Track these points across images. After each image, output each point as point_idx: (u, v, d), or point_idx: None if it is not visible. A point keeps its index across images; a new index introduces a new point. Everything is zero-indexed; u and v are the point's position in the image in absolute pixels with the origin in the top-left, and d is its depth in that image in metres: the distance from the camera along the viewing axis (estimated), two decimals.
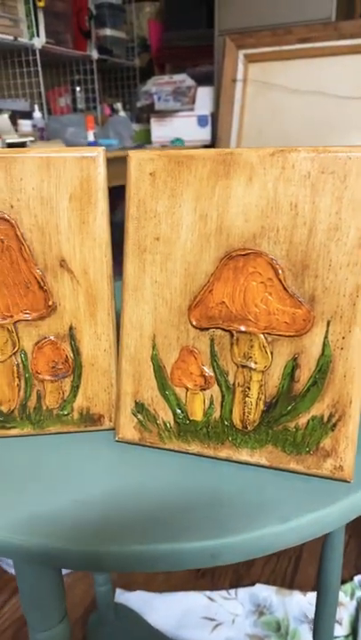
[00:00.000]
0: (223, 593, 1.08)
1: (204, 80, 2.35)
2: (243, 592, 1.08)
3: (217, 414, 0.34)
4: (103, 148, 0.35)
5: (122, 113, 2.45)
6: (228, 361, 0.33)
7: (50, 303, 0.36)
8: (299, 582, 1.11)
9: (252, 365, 0.32)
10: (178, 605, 1.06)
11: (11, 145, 1.39)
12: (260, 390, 0.32)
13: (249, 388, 0.33)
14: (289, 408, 0.32)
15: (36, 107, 1.98)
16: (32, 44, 1.95)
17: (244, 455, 0.34)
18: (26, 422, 0.37)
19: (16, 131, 1.56)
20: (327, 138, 1.95)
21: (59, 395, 0.37)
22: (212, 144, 2.28)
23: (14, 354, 0.36)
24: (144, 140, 2.33)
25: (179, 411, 0.35)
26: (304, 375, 0.32)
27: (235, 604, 1.07)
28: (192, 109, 2.33)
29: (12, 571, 1.14)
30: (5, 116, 1.42)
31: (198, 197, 0.32)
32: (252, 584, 1.10)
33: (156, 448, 0.36)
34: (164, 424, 0.35)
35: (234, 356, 0.33)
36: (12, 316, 0.36)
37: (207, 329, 0.33)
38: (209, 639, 1.01)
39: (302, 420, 0.32)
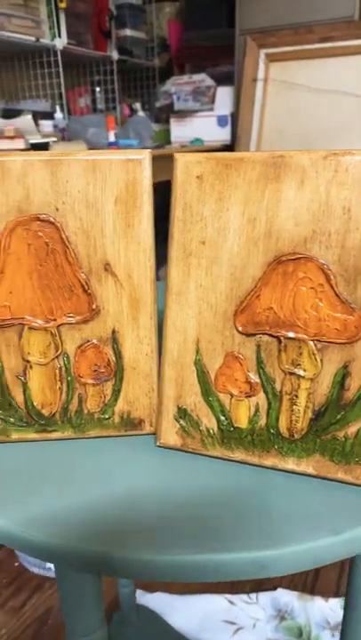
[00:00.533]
0: (244, 597, 1.08)
1: (223, 80, 2.34)
2: (264, 596, 1.07)
3: (263, 422, 0.33)
4: (149, 150, 0.34)
5: (141, 113, 2.45)
6: (275, 368, 0.33)
7: (93, 307, 0.36)
8: (320, 588, 1.10)
9: (301, 373, 0.32)
10: (198, 608, 1.06)
11: (34, 145, 1.40)
12: (309, 398, 0.32)
13: (297, 396, 0.32)
14: (338, 417, 0.31)
15: (58, 107, 2.00)
16: (53, 45, 1.96)
17: (290, 464, 0.33)
18: (67, 426, 0.37)
19: (38, 131, 1.57)
20: (348, 138, 1.93)
21: (100, 398, 0.37)
22: (232, 144, 2.27)
23: (57, 357, 0.36)
24: (163, 141, 2.33)
25: (223, 417, 0.34)
26: (355, 383, 0.31)
27: (256, 609, 1.06)
28: (212, 109, 2.33)
29: (33, 569, 1.15)
30: (29, 117, 1.43)
31: (247, 201, 0.32)
32: (274, 589, 1.09)
33: (198, 454, 0.35)
34: (208, 430, 0.35)
35: (281, 362, 0.32)
36: (55, 320, 0.35)
37: (253, 335, 0.33)
38: None
39: (352, 429, 0.31)
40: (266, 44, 2.11)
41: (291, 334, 0.31)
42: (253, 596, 1.08)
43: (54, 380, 0.37)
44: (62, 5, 1.97)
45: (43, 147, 1.43)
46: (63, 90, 2.11)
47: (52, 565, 1.14)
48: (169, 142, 2.33)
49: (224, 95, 2.35)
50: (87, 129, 1.92)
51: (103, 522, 0.30)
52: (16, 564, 1.17)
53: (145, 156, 0.34)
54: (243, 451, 0.34)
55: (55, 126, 1.94)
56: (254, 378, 0.33)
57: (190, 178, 0.33)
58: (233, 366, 0.33)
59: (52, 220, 0.34)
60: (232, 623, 1.04)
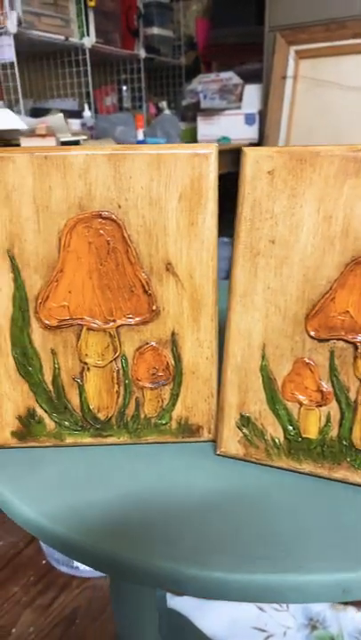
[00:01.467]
0: (274, 604, 1.05)
1: (251, 78, 2.31)
2: (295, 604, 1.05)
3: (334, 433, 0.31)
4: (216, 144, 0.33)
5: (167, 111, 2.44)
6: (349, 376, 0.31)
7: (153, 308, 0.34)
8: None
9: None
10: (227, 613, 1.04)
11: (65, 143, 1.40)
12: None
13: None
14: None
15: (86, 106, 2.00)
16: (82, 44, 1.96)
17: None
18: (122, 430, 0.36)
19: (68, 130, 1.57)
20: None
21: (157, 403, 0.36)
22: (260, 142, 2.24)
23: (115, 359, 0.35)
24: (190, 139, 2.32)
25: (290, 427, 0.32)
26: None
27: (286, 616, 1.04)
28: (239, 107, 2.30)
29: (61, 568, 1.14)
30: (60, 115, 1.43)
31: (323, 197, 0.30)
32: None
33: (261, 465, 0.34)
34: (273, 440, 0.33)
35: (357, 370, 0.30)
36: (114, 321, 0.34)
37: (327, 340, 0.31)
38: None
39: None
40: (296, 40, 2.08)
41: None
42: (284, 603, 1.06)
43: (111, 382, 0.35)
44: (91, 4, 1.97)
45: (73, 144, 1.43)
46: (91, 88, 2.11)
47: (80, 564, 1.14)
48: (195, 141, 2.32)
49: (252, 93, 2.32)
50: (115, 127, 1.91)
51: (168, 535, 0.28)
52: (43, 561, 1.17)
53: (212, 150, 0.32)
54: (311, 462, 0.32)
55: (83, 125, 1.94)
56: (326, 386, 0.31)
57: (260, 173, 0.31)
58: (303, 373, 0.32)
59: (114, 217, 0.33)
60: (262, 630, 1.02)
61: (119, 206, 0.33)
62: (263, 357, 0.33)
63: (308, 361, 0.32)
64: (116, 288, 0.34)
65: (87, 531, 0.29)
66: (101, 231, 0.33)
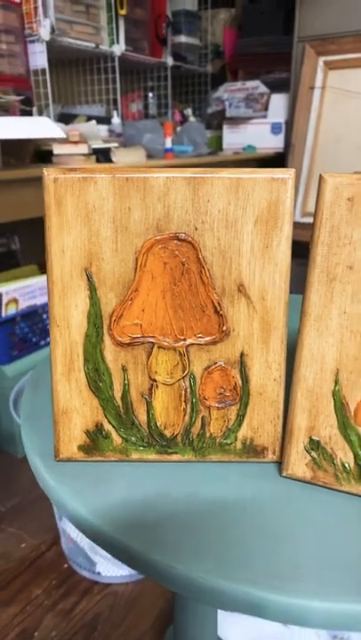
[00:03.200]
0: None
1: (277, 87, 2.32)
2: None
3: None
4: (293, 170, 0.33)
5: (192, 119, 2.45)
6: None
7: (224, 328, 0.34)
8: None
9: None
10: (252, 626, 1.03)
11: (96, 151, 1.42)
12: None
13: None
14: None
15: (114, 113, 2.02)
16: (112, 52, 1.99)
17: None
18: (187, 448, 0.36)
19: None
20: None
21: (223, 423, 0.36)
22: (285, 152, 2.24)
23: (183, 377, 0.35)
24: (215, 147, 2.33)
25: None
26: None
27: (310, 633, 1.03)
28: (264, 116, 2.31)
29: (82, 572, 1.15)
30: (93, 122, 1.45)
31: None
32: None
33: (328, 489, 0.34)
34: (343, 465, 0.33)
35: None
36: (185, 340, 0.35)
37: None
38: None
39: None
40: (325, 51, 2.08)
41: None
42: None
43: (179, 400, 0.36)
44: (122, 12, 1.99)
45: (105, 152, 1.44)
46: (119, 95, 2.13)
47: (101, 569, 1.14)
48: (221, 149, 2.33)
49: (278, 102, 2.32)
50: (142, 134, 1.93)
51: (244, 557, 0.28)
52: (65, 565, 1.18)
53: (290, 175, 0.33)
54: None
55: (111, 131, 1.96)
56: None
57: (340, 200, 0.31)
58: None
59: (190, 239, 0.33)
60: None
61: (196, 228, 0.33)
62: (336, 382, 0.33)
63: None
64: (188, 308, 0.34)
65: (162, 549, 0.29)
66: (177, 252, 0.33)
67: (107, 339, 0.35)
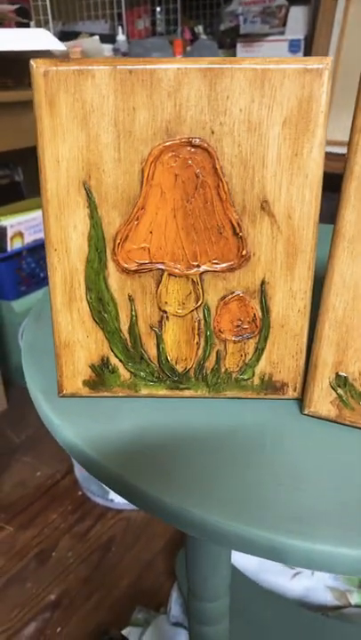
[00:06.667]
0: None
1: None
2: None
3: None
4: (331, 58, 0.27)
5: (203, 37, 2.26)
6: None
7: (243, 253, 0.30)
8: None
9: None
10: None
11: None
12: None
13: None
14: None
15: (119, 29, 1.85)
16: None
17: None
18: (201, 384, 0.34)
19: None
20: None
21: (240, 357, 0.33)
22: None
23: (197, 308, 0.32)
24: None
25: None
26: None
27: None
28: (282, 33, 2.11)
29: (96, 499, 1.18)
30: (96, 38, 1.32)
31: None
32: None
33: (355, 428, 0.31)
34: None
35: None
36: (198, 266, 0.31)
37: None
38: (288, 586, 1.02)
39: None
40: None
41: None
42: None
43: (192, 333, 0.32)
44: None
45: None
46: (123, 10, 1.95)
47: (114, 496, 1.17)
48: None
49: (297, 16, 2.11)
50: (150, 53, 1.78)
51: (264, 501, 0.26)
52: (79, 492, 1.22)
53: (326, 64, 0.27)
54: None
55: (116, 50, 1.81)
56: None
57: None
58: None
59: (205, 145, 0.28)
60: (291, 567, 1.06)
61: (212, 132, 0.28)
62: None
63: None
64: (203, 229, 0.30)
65: (175, 491, 0.27)
66: (190, 161, 0.29)
67: (111, 265, 0.31)
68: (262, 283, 0.31)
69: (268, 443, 0.30)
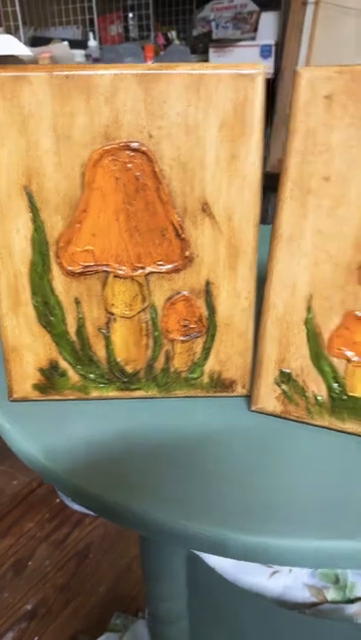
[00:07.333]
0: None
1: (268, 4, 2.12)
2: None
3: None
4: (265, 64, 0.28)
5: (176, 42, 2.27)
6: None
7: (187, 254, 0.31)
8: None
9: None
10: None
11: None
12: None
13: None
14: None
15: (90, 35, 1.86)
16: None
17: None
18: (151, 384, 0.34)
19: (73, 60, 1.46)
20: None
21: (189, 356, 0.33)
22: (275, 77, 2.10)
23: (143, 310, 0.32)
24: None
25: (335, 384, 0.30)
26: None
27: None
28: (254, 38, 2.14)
29: (74, 506, 1.17)
30: (66, 44, 1.32)
31: None
32: None
33: (299, 423, 0.32)
34: (315, 398, 0.31)
35: None
36: (143, 268, 0.31)
37: None
38: (267, 585, 1.02)
39: None
40: None
41: None
42: None
43: (140, 334, 0.33)
44: None
45: None
46: (95, 15, 1.96)
47: None
48: None
49: (268, 22, 2.14)
50: (122, 59, 1.79)
51: (208, 496, 0.27)
52: (57, 500, 1.21)
53: (259, 70, 0.28)
54: (356, 422, 0.30)
55: (88, 56, 1.81)
56: None
57: (316, 98, 0.27)
58: (353, 328, 0.29)
59: (144, 149, 0.29)
60: (268, 566, 1.06)
61: (150, 136, 0.29)
62: (309, 310, 0.30)
63: (359, 314, 0.29)
64: (146, 231, 0.30)
65: (122, 490, 0.27)
66: (130, 165, 0.29)
67: (55, 268, 0.31)
68: (207, 283, 0.32)
69: (216, 440, 0.31)
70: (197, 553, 0.97)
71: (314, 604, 1.07)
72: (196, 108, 0.28)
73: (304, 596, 1.09)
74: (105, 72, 0.28)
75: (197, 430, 0.32)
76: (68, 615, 0.97)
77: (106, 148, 0.29)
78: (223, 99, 0.28)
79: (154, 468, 0.29)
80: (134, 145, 0.29)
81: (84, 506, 0.29)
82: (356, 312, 0.29)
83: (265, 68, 0.28)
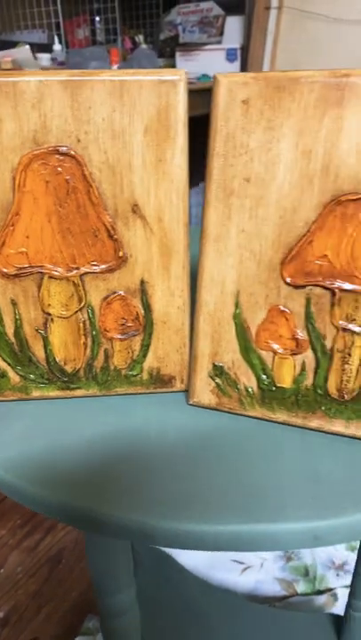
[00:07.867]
0: None
1: (233, 8, 2.16)
2: None
3: (309, 382, 0.30)
4: (185, 70, 0.29)
5: (143, 46, 2.28)
6: (326, 323, 0.29)
7: (120, 254, 0.32)
8: None
9: (356, 329, 0.28)
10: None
11: None
12: None
13: (350, 354, 0.29)
14: None
15: (56, 38, 1.85)
16: None
17: (337, 426, 0.30)
18: (92, 383, 0.35)
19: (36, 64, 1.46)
20: None
21: (127, 354, 0.34)
22: None
23: (80, 310, 0.33)
24: None
25: (264, 376, 0.31)
26: None
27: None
28: (220, 42, 2.17)
29: None
30: (27, 48, 1.32)
31: (302, 130, 0.27)
32: None
33: (234, 414, 0.33)
34: (246, 390, 0.32)
35: (334, 317, 0.29)
36: (78, 268, 0.32)
37: (303, 287, 0.29)
38: (239, 581, 1.04)
39: None
40: None
41: (347, 286, 0.28)
42: None
43: (78, 334, 0.33)
44: None
45: None
46: (61, 19, 1.96)
47: None
48: None
49: (233, 26, 2.17)
50: (88, 62, 1.78)
51: (138, 486, 0.28)
52: None
53: (180, 76, 0.29)
54: (285, 411, 0.31)
55: (53, 59, 1.81)
56: (302, 334, 0.30)
57: (234, 103, 0.28)
58: (277, 321, 0.30)
59: (72, 153, 0.30)
60: (240, 562, 1.08)
61: (78, 140, 0.30)
62: (237, 305, 0.31)
63: (283, 308, 0.30)
64: (79, 232, 0.31)
65: (55, 484, 0.28)
66: (60, 168, 0.30)
67: None
68: (142, 282, 0.33)
69: (153, 434, 0.32)
70: (167, 552, 0.97)
71: (284, 597, 1.08)
72: (120, 113, 0.29)
73: (275, 589, 1.11)
74: (31, 78, 0.28)
75: (136, 426, 0.32)
76: (41, 621, 0.96)
77: (35, 152, 0.29)
78: (146, 104, 0.29)
79: (90, 464, 0.29)
80: (63, 149, 0.29)
81: (19, 501, 0.29)
82: (280, 306, 0.30)
83: (186, 74, 0.29)
